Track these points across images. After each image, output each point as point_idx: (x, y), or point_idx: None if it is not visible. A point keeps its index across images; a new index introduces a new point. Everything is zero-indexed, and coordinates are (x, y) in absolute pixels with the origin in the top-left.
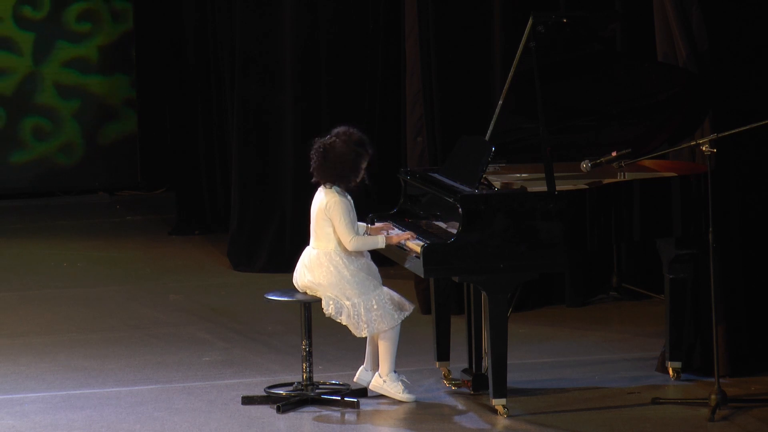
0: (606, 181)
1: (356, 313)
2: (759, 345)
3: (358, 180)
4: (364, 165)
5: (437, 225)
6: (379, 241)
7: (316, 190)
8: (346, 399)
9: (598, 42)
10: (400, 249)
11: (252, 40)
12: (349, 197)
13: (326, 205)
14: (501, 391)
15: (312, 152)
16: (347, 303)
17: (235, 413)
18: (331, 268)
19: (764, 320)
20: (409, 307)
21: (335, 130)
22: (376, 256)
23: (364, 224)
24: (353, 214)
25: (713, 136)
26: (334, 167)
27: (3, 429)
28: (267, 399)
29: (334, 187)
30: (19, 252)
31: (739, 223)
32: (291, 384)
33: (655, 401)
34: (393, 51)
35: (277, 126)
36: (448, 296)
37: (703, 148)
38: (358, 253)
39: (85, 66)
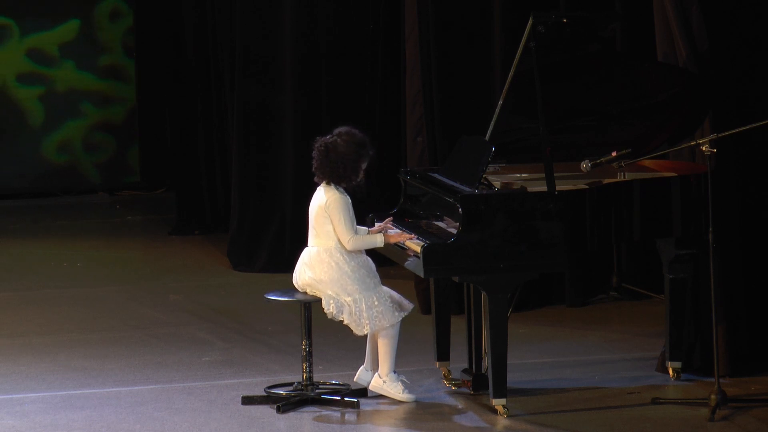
0: (606, 181)
1: (358, 309)
2: (759, 345)
3: (357, 180)
4: (364, 166)
5: (437, 225)
6: (378, 241)
7: (316, 189)
8: (346, 399)
9: (598, 42)
10: (400, 249)
11: (252, 40)
12: (348, 196)
13: (326, 203)
14: (501, 391)
15: (314, 151)
16: (348, 299)
17: (235, 413)
18: (332, 264)
19: (764, 320)
20: (408, 307)
21: (337, 130)
22: (376, 256)
23: (365, 228)
24: (352, 212)
25: (713, 136)
26: (335, 167)
27: (3, 429)
28: (267, 399)
29: (334, 186)
30: (19, 252)
31: (739, 223)
32: (291, 384)
33: (655, 401)
34: (393, 51)
35: (277, 126)
36: (448, 296)
37: (703, 148)
38: (358, 251)
39: None
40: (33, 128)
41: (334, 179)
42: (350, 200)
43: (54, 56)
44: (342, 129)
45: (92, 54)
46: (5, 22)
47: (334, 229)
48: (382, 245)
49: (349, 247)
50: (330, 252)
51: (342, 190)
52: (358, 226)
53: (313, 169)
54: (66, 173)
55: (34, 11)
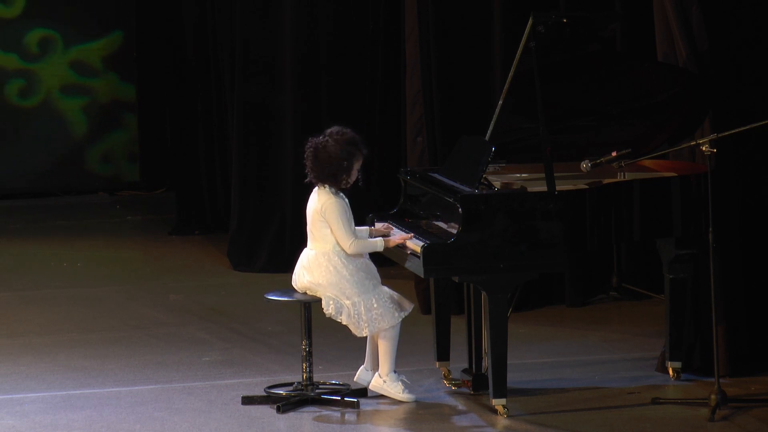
0: (606, 181)
1: (356, 312)
2: (759, 345)
3: (351, 180)
4: (357, 165)
5: (437, 225)
6: (378, 245)
7: (312, 189)
8: (346, 399)
9: (598, 42)
10: (400, 249)
11: (252, 40)
12: (344, 197)
13: (321, 207)
14: (501, 391)
15: (305, 152)
16: (347, 302)
17: (235, 413)
18: (330, 268)
19: (764, 320)
20: (408, 306)
21: (328, 130)
22: (377, 256)
23: (366, 227)
24: (349, 214)
25: (713, 136)
26: (326, 167)
27: (3, 429)
28: (267, 399)
29: (328, 188)
30: (19, 252)
31: (739, 223)
32: (291, 384)
33: (655, 401)
34: (393, 51)
35: (278, 126)
36: (448, 296)
37: (703, 148)
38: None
39: None
40: (76, 139)
41: (326, 180)
42: (347, 201)
43: (97, 68)
44: (332, 129)
45: (135, 66)
46: (50, 34)
47: (332, 233)
48: (382, 249)
49: (350, 251)
50: (328, 256)
51: (337, 192)
52: (358, 227)
53: (306, 171)
54: (66, 173)
55: (77, 23)
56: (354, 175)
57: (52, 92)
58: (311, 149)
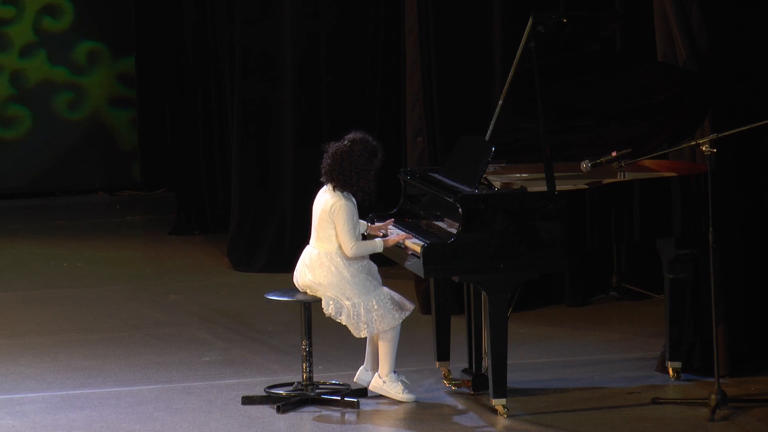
0: (606, 181)
1: (356, 313)
2: (759, 345)
3: (367, 187)
4: (374, 171)
5: (437, 225)
6: (378, 246)
7: (317, 188)
8: (346, 399)
9: (598, 42)
10: (400, 249)
11: (252, 40)
12: (353, 200)
13: (331, 208)
14: (501, 391)
15: (326, 155)
16: (347, 303)
17: (235, 413)
18: (332, 268)
19: (764, 320)
20: (409, 307)
21: (351, 136)
22: (377, 256)
23: (365, 222)
24: (356, 218)
25: (713, 136)
26: (348, 174)
27: (3, 429)
28: (267, 399)
29: (340, 191)
30: (19, 252)
31: (739, 223)
32: (291, 384)
33: (655, 401)
34: (393, 51)
35: (278, 126)
36: (448, 296)
37: (703, 148)
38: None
39: None
40: (124, 151)
41: (344, 185)
42: (356, 204)
43: None
44: (356, 136)
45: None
46: (97, 47)
47: (336, 235)
48: (381, 250)
49: (350, 254)
50: (330, 256)
51: (348, 195)
52: (359, 221)
53: (322, 173)
54: (65, 173)
55: (125, 35)
56: (371, 182)
57: (101, 105)
58: (336, 154)
